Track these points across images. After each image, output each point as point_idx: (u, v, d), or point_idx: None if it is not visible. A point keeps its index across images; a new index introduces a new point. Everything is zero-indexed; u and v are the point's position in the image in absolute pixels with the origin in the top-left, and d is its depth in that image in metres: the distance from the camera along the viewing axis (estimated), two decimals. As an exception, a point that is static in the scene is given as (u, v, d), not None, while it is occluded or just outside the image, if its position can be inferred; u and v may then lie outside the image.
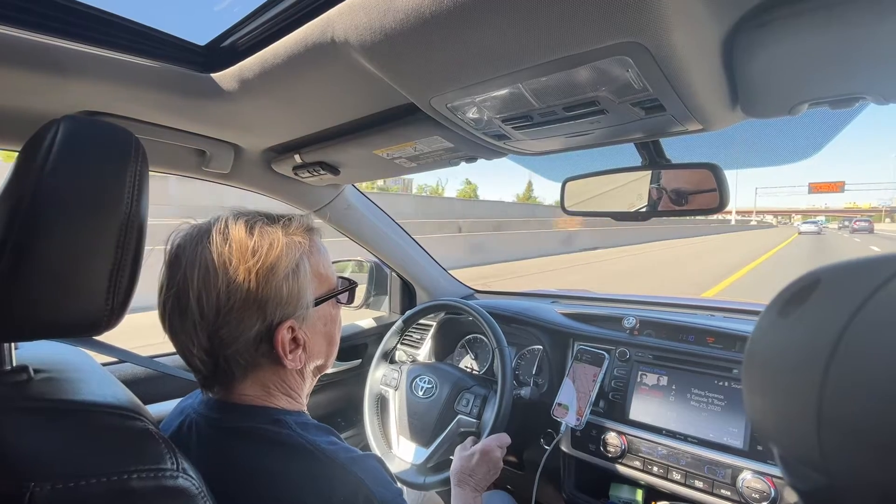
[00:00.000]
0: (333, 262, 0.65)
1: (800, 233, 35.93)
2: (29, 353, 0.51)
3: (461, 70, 0.55)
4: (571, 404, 1.08)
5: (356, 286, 0.67)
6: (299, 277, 0.55)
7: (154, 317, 0.54)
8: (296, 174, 1.07)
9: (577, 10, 0.42)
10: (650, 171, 0.83)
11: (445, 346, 1.49)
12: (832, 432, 0.19)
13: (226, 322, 0.50)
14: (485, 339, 1.41)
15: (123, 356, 0.76)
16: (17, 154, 0.46)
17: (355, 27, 0.50)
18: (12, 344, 0.47)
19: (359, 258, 1.62)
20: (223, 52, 0.66)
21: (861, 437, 0.19)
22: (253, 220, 0.55)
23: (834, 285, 0.23)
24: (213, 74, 0.68)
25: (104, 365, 0.92)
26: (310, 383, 0.63)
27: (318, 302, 0.58)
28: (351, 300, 0.67)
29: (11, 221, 0.39)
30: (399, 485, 0.56)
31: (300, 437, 0.52)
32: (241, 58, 0.64)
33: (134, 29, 0.61)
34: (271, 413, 0.55)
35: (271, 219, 0.56)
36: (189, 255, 0.51)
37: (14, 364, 0.46)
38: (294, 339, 0.55)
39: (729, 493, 0.88)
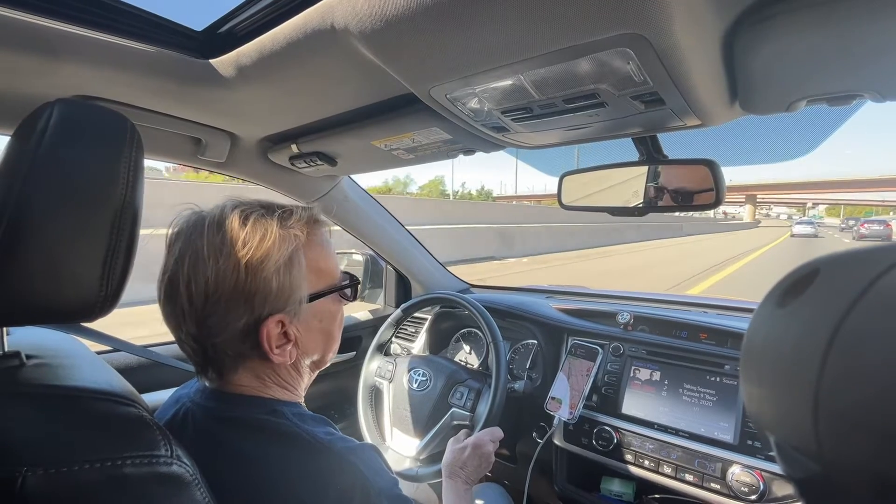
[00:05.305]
0: None
1: (792, 235, 35.70)
2: (21, 339, 0.51)
3: (462, 60, 0.54)
4: (565, 398, 1.09)
5: (358, 282, 0.64)
6: (292, 272, 0.53)
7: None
8: (292, 164, 1.07)
9: (579, 0, 0.42)
10: (647, 167, 0.83)
11: (440, 340, 1.49)
12: (828, 421, 0.20)
13: (213, 312, 0.50)
14: (480, 333, 1.41)
15: (117, 345, 0.76)
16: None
17: (356, 14, 0.50)
18: (4, 329, 0.46)
19: (353, 251, 1.61)
20: (220, 37, 0.65)
21: (857, 425, 0.19)
22: (249, 210, 0.53)
23: (833, 275, 0.23)
24: (210, 60, 0.67)
25: (97, 354, 0.91)
26: (307, 378, 0.62)
27: (313, 298, 0.56)
28: (353, 296, 0.64)
29: (3, 205, 0.39)
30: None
31: (297, 426, 0.52)
32: (239, 44, 0.63)
33: (129, 12, 0.60)
34: (267, 403, 0.55)
35: (269, 210, 0.55)
36: (184, 242, 0.51)
37: (6, 349, 0.46)
38: (285, 334, 0.54)
39: (718, 487, 0.89)
